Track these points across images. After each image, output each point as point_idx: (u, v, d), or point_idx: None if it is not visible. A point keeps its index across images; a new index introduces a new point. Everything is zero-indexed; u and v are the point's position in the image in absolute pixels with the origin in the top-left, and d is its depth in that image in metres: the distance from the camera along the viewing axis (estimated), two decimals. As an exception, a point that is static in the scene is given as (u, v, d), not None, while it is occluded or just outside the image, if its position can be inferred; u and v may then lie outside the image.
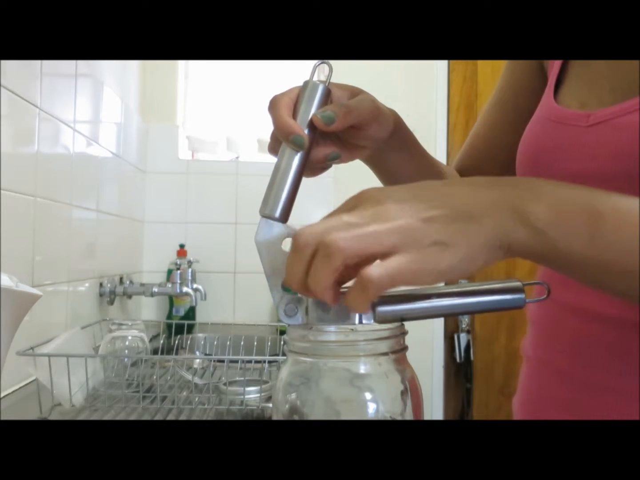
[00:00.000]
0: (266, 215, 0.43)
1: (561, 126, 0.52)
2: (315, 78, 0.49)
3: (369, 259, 0.34)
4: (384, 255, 0.34)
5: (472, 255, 0.35)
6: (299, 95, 0.47)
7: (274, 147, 0.48)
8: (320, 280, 0.35)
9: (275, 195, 0.44)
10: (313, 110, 0.47)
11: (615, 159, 0.46)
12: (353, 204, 0.37)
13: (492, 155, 0.68)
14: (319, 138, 0.48)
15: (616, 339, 0.49)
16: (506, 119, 0.67)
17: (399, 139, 0.55)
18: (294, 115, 0.46)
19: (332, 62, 0.49)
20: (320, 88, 0.48)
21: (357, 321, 0.40)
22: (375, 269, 0.33)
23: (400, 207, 0.35)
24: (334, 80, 0.49)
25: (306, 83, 0.48)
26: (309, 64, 0.50)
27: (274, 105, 0.46)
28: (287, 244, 0.40)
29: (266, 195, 0.44)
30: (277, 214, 0.43)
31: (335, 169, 1.87)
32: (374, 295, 0.34)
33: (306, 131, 0.45)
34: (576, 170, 0.49)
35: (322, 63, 0.49)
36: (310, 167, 0.48)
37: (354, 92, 0.51)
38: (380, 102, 0.52)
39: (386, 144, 0.54)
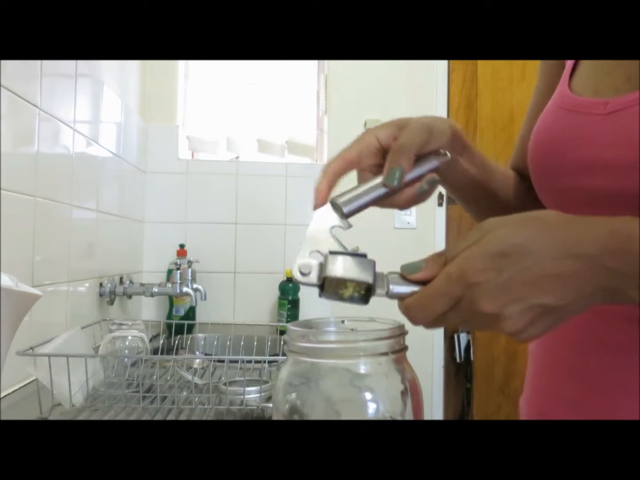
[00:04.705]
0: (337, 203, 0.47)
1: (575, 115, 0.51)
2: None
3: None
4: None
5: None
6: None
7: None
8: (451, 323, 0.41)
9: (357, 196, 0.48)
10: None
11: (634, 148, 0.45)
12: (477, 238, 0.41)
13: None
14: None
15: (624, 336, 0.48)
16: None
17: (458, 146, 0.55)
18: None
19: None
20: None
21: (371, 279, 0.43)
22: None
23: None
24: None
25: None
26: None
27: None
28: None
29: (349, 191, 0.48)
30: (346, 210, 0.47)
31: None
32: None
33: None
34: (592, 158, 0.49)
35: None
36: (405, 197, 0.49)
37: (400, 126, 0.50)
38: (429, 118, 0.51)
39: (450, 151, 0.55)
